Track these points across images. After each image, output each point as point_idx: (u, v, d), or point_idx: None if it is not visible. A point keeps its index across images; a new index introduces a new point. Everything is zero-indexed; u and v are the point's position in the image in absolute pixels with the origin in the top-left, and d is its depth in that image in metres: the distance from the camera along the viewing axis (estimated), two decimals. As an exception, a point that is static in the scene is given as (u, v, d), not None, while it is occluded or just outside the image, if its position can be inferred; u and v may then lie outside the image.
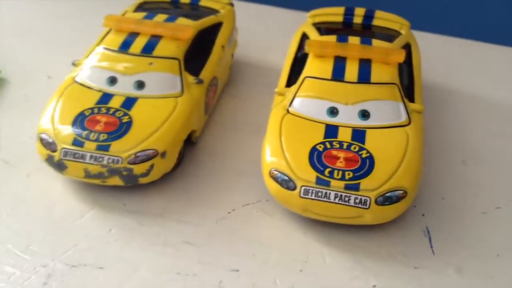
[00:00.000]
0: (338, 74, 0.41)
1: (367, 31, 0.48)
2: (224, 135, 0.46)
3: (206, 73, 0.44)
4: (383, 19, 0.49)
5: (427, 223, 0.38)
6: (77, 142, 0.38)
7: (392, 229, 0.38)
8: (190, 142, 0.43)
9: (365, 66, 0.41)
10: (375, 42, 0.44)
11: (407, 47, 0.46)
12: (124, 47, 0.43)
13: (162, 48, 0.43)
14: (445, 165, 0.43)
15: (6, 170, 0.42)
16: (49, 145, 0.39)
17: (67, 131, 0.39)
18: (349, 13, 0.50)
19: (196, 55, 0.45)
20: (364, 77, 0.41)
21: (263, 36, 0.58)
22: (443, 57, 0.55)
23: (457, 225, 0.38)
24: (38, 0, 0.64)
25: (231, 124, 0.47)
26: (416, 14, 0.54)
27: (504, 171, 0.43)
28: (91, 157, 0.38)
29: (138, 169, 0.38)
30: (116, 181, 0.38)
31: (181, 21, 0.46)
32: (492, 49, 0.57)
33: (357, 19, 0.49)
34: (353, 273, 0.35)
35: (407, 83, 0.43)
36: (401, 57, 0.41)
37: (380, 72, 0.41)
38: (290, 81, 0.43)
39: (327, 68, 0.41)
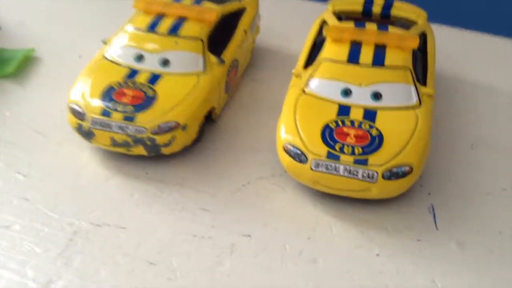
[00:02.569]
0: (353, 58, 0.43)
1: (385, 20, 0.50)
2: (243, 115, 0.48)
3: (228, 54, 0.47)
4: (401, 9, 0.51)
5: (433, 202, 0.40)
6: (105, 113, 0.41)
7: (398, 206, 0.39)
8: (210, 120, 0.46)
9: (380, 51, 0.43)
10: (392, 29, 0.46)
11: (423, 36, 0.48)
12: (152, 27, 0.46)
13: (187, 29, 0.46)
14: (454, 149, 0.44)
15: (38, 139, 0.45)
16: (79, 115, 0.42)
17: (96, 102, 0.42)
18: (368, 2, 0.51)
19: (220, 37, 0.48)
20: (378, 61, 0.42)
21: (285, 25, 0.60)
22: (460, 49, 0.56)
23: (462, 204, 0.40)
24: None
25: (250, 105, 0.49)
26: (435, 7, 0.55)
27: (511, 156, 0.44)
28: (117, 126, 0.41)
29: (160, 139, 0.41)
30: (140, 150, 0.41)
31: (207, 5, 0.49)
32: (507, 44, 0.58)
33: (376, 8, 0.51)
34: (358, 243, 0.37)
35: (421, 69, 0.45)
36: (415, 43, 0.43)
37: (394, 57, 0.43)
38: (308, 64, 0.45)
39: (343, 52, 0.43)
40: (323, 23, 0.49)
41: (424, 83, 0.43)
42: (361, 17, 0.51)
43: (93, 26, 0.59)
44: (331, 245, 0.37)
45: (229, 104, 0.49)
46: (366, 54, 0.43)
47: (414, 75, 0.42)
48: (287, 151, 0.39)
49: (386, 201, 0.39)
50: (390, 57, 0.42)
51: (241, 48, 0.49)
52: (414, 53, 0.45)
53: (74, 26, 0.59)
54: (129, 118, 0.41)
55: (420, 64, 0.45)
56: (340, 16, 0.50)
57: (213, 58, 0.45)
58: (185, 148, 0.43)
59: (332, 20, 0.49)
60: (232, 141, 0.45)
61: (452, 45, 0.56)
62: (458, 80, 0.52)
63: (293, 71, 0.44)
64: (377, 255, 0.36)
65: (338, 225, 0.38)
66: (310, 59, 0.46)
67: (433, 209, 0.39)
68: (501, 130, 0.47)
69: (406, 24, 0.49)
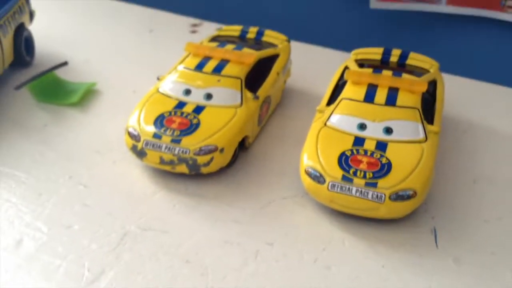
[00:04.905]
0: (369, 98, 0.49)
1: (401, 68, 0.57)
2: (272, 144, 0.55)
3: (262, 91, 0.54)
4: (416, 59, 0.58)
5: (435, 224, 0.45)
6: (156, 136, 0.49)
7: (404, 226, 0.45)
8: (244, 147, 0.53)
9: (392, 93, 0.50)
10: (405, 75, 0.53)
11: (434, 83, 0.54)
12: (199, 67, 0.54)
13: (228, 70, 0.54)
14: (458, 182, 0.50)
15: (97, 158, 0.53)
16: (134, 137, 0.50)
17: (149, 127, 0.49)
18: (387, 53, 0.58)
19: (256, 77, 0.55)
20: (391, 101, 0.49)
21: (312, 71, 0.67)
22: (469, 96, 0.63)
23: (461, 228, 0.45)
24: (133, 30, 0.77)
25: (279, 137, 0.56)
26: (449, 59, 0.62)
27: (510, 191, 0.49)
28: (166, 147, 0.48)
29: (201, 159, 0.48)
30: (183, 168, 0.48)
31: (246, 50, 0.57)
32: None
33: (393, 58, 0.58)
34: (367, 255, 0.42)
35: (430, 111, 0.51)
36: (423, 87, 0.50)
37: (405, 98, 0.49)
38: (330, 103, 0.52)
39: (360, 92, 0.50)
40: (346, 68, 0.57)
41: (432, 122, 0.49)
42: (380, 65, 0.58)
43: (145, 66, 0.68)
44: (343, 255, 0.43)
45: (260, 135, 0.56)
46: (381, 95, 0.49)
47: (422, 115, 0.48)
48: (308, 174, 0.45)
49: (394, 222, 0.45)
50: (402, 98, 0.49)
51: (273, 87, 0.57)
52: (425, 98, 0.51)
53: (130, 66, 0.68)
54: (176, 141, 0.48)
55: (430, 106, 0.52)
56: (362, 64, 0.58)
57: (249, 94, 0.53)
58: (221, 169, 0.50)
59: (353, 67, 0.56)
60: (261, 165, 0.52)
61: (463, 93, 0.62)
62: (466, 122, 0.58)
63: (317, 107, 0.51)
64: (383, 266, 0.42)
65: (350, 239, 0.44)
66: (333, 99, 0.53)
67: (435, 231, 0.45)
68: (502, 168, 0.52)
69: (419, 72, 0.56)
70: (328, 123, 0.49)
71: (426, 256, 0.42)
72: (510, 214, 0.47)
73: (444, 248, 0.43)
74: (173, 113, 0.51)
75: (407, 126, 0.47)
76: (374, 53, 0.59)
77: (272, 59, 0.59)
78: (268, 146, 0.55)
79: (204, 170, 0.48)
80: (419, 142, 0.47)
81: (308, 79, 0.66)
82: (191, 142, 0.48)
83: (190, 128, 0.49)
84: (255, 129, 0.54)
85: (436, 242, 0.43)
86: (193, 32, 0.77)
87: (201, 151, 0.48)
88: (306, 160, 0.46)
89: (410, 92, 0.50)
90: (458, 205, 0.47)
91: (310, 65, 0.69)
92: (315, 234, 0.44)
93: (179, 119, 0.50)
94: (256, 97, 0.53)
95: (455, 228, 0.45)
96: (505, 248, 0.43)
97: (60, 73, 0.64)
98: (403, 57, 0.58)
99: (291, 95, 0.63)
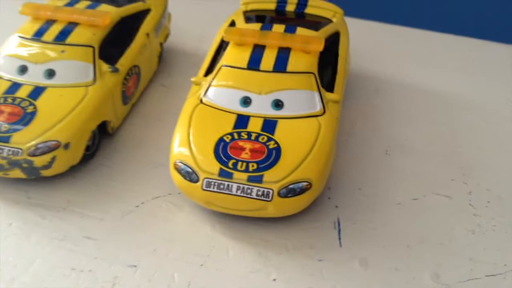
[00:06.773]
0: (254, 63, 0.39)
1: (297, 19, 0.47)
2: (146, 125, 0.44)
3: (124, 61, 0.43)
4: (316, 7, 0.48)
5: (339, 215, 0.37)
6: (-23, 133, 0.37)
7: (302, 221, 0.36)
8: (107, 133, 0.42)
9: (283, 55, 0.40)
10: (300, 30, 0.43)
11: (336, 36, 0.45)
12: (38, 34, 0.42)
13: (76, 36, 0.42)
14: (367, 155, 0.42)
15: None
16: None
17: (-31, 121, 0.37)
18: (282, 1, 0.48)
19: (118, 43, 0.44)
20: (280, 66, 0.39)
21: (201, 25, 0.56)
22: (381, 45, 0.54)
23: (370, 216, 0.37)
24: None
25: (155, 114, 0.46)
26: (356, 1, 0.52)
27: (427, 161, 0.41)
28: (-9, 148, 0.36)
29: (38, 161, 0.36)
30: (18, 173, 0.37)
31: (103, 8, 0.45)
32: (427, 36, 0.56)
33: (290, 7, 0.48)
34: (255, 267, 0.34)
35: (330, 72, 0.42)
36: (320, 46, 0.40)
37: (297, 61, 0.39)
38: (210, 71, 0.42)
39: (244, 57, 0.40)
40: (232, 24, 0.46)
41: (332, 88, 0.40)
42: (275, 16, 0.47)
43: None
44: (225, 272, 0.33)
45: (131, 114, 0.45)
46: (268, 59, 0.39)
47: (318, 80, 0.39)
48: (178, 170, 0.35)
49: (289, 218, 0.36)
50: (293, 62, 0.39)
51: (142, 53, 0.45)
52: (324, 55, 0.42)
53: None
54: (3, 139, 0.36)
55: (330, 66, 0.42)
56: (256, 16, 0.47)
57: (105, 67, 0.41)
58: (74, 167, 0.39)
59: (240, 22, 0.45)
60: (130, 155, 0.41)
61: (373, 40, 0.54)
62: (378, 78, 0.50)
63: (192, 79, 0.41)
64: (274, 280, 0.33)
65: (235, 247, 0.35)
66: (215, 65, 0.42)
67: (338, 224, 0.36)
68: (418, 132, 0.44)
69: (319, 22, 0.46)
70: (204, 99, 0.39)
71: (327, 259, 0.34)
72: (430, 192, 0.39)
73: (348, 247, 0.35)
74: (2, 100, 0.39)
75: (300, 97, 0.38)
76: (267, 1, 0.48)
77: (140, 16, 0.47)
78: (140, 127, 0.44)
79: (46, 173, 0.37)
80: (316, 115, 0.37)
81: (196, 37, 0.55)
82: (24, 139, 0.36)
83: (23, 119, 0.37)
84: (119, 110, 0.43)
85: (339, 239, 0.35)
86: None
87: (38, 150, 0.36)
88: (176, 149, 0.36)
89: (305, 52, 0.40)
90: (366, 185, 0.39)
91: (198, 19, 0.57)
92: (193, 246, 0.35)
93: (10, 108, 0.38)
94: (115, 70, 0.41)
95: (363, 217, 0.37)
96: (424, 239, 0.35)
97: None
98: (301, 5, 0.48)
99: (175, 59, 0.52)
